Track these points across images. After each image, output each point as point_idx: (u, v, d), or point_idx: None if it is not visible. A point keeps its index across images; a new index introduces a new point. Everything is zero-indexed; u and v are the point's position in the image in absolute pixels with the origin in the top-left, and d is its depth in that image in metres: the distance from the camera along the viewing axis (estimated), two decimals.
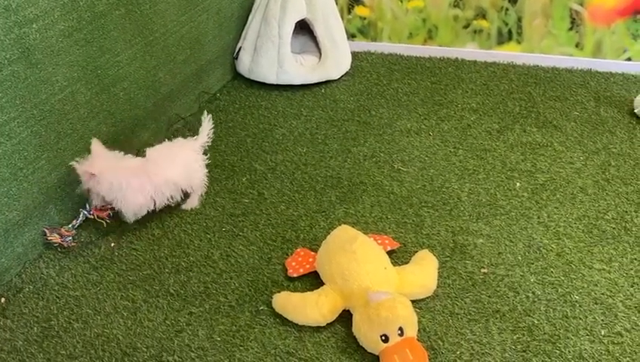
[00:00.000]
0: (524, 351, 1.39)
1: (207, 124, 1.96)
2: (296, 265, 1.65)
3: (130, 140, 2.09)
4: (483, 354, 1.39)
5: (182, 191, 1.85)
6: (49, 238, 1.72)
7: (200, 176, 1.90)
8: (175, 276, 1.65)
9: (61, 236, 1.73)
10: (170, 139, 2.27)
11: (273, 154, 2.19)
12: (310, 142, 2.25)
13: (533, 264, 1.63)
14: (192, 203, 1.93)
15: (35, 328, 1.49)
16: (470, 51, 2.81)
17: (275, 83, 2.60)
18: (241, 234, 1.80)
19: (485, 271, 1.62)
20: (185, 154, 1.85)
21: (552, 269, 1.61)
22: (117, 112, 1.98)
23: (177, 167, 1.81)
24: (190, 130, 2.35)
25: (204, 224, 1.85)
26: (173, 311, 1.54)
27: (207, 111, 2.47)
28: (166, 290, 1.60)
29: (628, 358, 1.36)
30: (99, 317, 1.52)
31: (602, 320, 1.46)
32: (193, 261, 1.70)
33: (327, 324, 1.48)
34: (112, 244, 1.76)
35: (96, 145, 1.73)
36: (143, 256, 1.72)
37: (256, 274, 1.65)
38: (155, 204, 1.79)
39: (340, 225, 1.69)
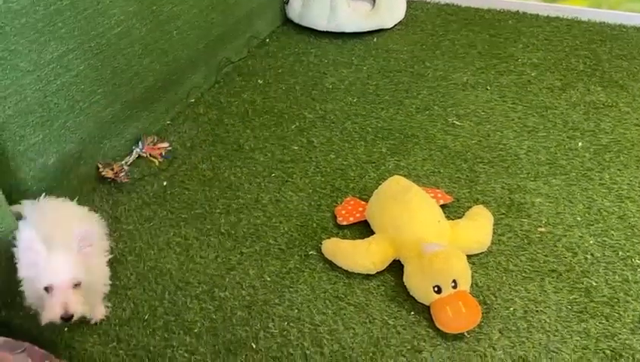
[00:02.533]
0: (581, 312, 1.35)
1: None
2: (346, 213, 1.63)
3: (182, 81, 2.08)
4: (537, 311, 1.36)
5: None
6: (102, 173, 1.74)
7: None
8: (226, 217, 1.65)
9: (114, 171, 1.75)
10: (219, 84, 2.27)
11: (323, 102, 2.15)
12: (361, 92, 2.20)
13: (592, 226, 1.57)
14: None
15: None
16: (532, 4, 2.66)
17: (325, 30, 2.53)
18: (290, 180, 1.79)
19: (542, 230, 1.57)
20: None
21: (612, 232, 1.55)
22: (170, 51, 1.96)
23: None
24: (240, 74, 2.32)
25: (254, 168, 1.84)
26: (224, 249, 1.55)
27: (257, 57, 2.45)
28: (217, 230, 1.61)
29: None
30: (152, 252, 1.55)
31: None
32: (243, 203, 1.70)
33: (377, 273, 1.47)
34: (165, 183, 1.77)
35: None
36: (195, 196, 1.73)
37: (305, 220, 1.64)
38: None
39: (390, 176, 1.66)
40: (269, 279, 1.47)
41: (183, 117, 2.07)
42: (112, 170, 1.75)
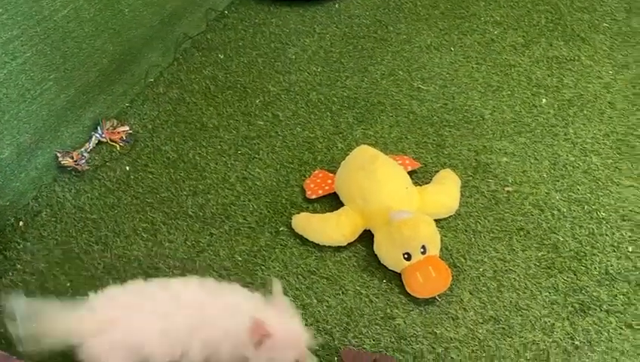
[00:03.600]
0: (549, 268, 1.38)
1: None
2: (315, 186, 1.62)
3: (138, 61, 2.01)
4: (507, 270, 1.38)
5: None
6: (62, 162, 1.69)
7: None
8: (193, 198, 1.63)
9: (73, 159, 1.70)
10: (178, 61, 2.20)
11: (286, 74, 2.11)
12: (324, 61, 2.16)
13: (558, 181, 1.59)
14: None
15: (56, 251, 1.50)
16: None
17: None
18: (257, 156, 1.76)
19: (509, 189, 1.58)
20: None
21: (578, 186, 1.57)
22: (122, 30, 1.88)
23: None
24: (199, 50, 2.25)
25: (219, 147, 1.80)
26: (193, 232, 1.53)
27: (216, 30, 2.37)
28: (185, 212, 1.58)
29: None
30: (118, 239, 1.52)
31: (630, 236, 1.43)
32: (210, 184, 1.67)
33: (348, 244, 1.47)
34: (127, 168, 1.73)
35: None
36: (160, 179, 1.69)
37: (274, 196, 1.62)
38: None
39: (357, 146, 1.65)
40: (240, 259, 1.46)
41: (143, 98, 2.01)
42: (72, 158, 1.70)
